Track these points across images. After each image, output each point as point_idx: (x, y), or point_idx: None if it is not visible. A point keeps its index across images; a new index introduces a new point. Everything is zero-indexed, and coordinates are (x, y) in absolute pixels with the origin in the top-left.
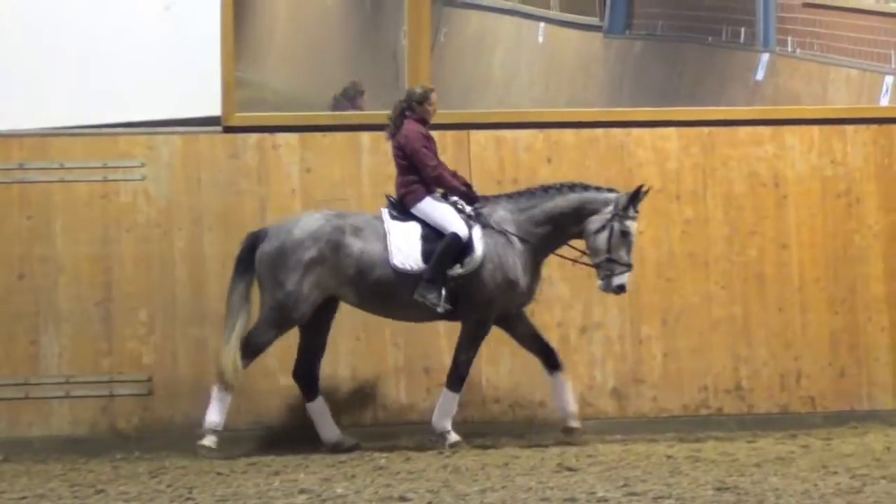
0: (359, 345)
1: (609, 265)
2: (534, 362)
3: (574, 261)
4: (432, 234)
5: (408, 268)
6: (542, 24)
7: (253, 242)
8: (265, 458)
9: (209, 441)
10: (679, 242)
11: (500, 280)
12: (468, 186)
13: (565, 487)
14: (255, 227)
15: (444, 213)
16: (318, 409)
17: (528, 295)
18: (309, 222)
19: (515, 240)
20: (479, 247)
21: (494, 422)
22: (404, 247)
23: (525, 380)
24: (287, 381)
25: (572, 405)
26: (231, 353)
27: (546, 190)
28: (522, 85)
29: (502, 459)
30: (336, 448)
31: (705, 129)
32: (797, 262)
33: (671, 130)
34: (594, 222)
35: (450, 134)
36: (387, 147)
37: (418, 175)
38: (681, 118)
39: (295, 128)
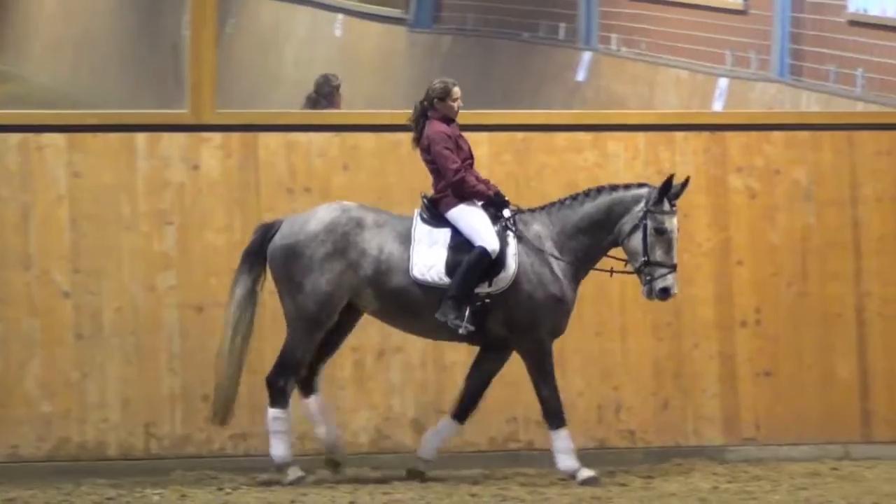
0: (130, 369)
1: (649, 269)
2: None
3: (613, 271)
4: (463, 244)
5: (429, 280)
6: (340, 16)
7: (264, 235)
8: (24, 493)
9: (292, 475)
10: None
11: (542, 298)
12: (498, 195)
13: None
14: (19, 238)
15: (475, 223)
16: (315, 407)
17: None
18: (326, 213)
19: (554, 255)
20: (511, 264)
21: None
22: (428, 256)
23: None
24: (48, 408)
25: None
26: (232, 364)
27: (575, 198)
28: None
29: (288, 497)
30: (330, 450)
31: (519, 135)
32: (617, 282)
33: (482, 136)
34: (626, 223)
35: (235, 136)
36: (165, 151)
37: None
38: (492, 122)
39: (62, 127)
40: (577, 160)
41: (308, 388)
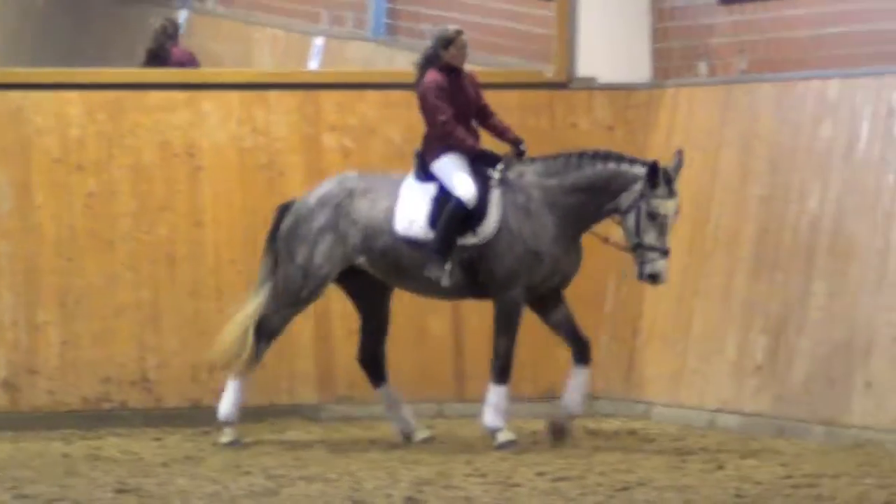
0: None
1: (640, 251)
2: None
3: (608, 241)
4: (447, 197)
5: (412, 235)
6: None
7: (281, 215)
8: None
9: (227, 436)
10: (81, 218)
11: (520, 252)
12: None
13: None
14: None
15: (455, 175)
16: (387, 395)
17: (560, 272)
18: (323, 186)
19: (542, 208)
20: (493, 213)
21: None
22: (412, 211)
23: None
24: None
25: (579, 405)
26: (234, 332)
27: (581, 156)
28: None
29: None
30: (407, 437)
31: (112, 93)
32: (212, 241)
33: (74, 94)
34: (623, 201)
35: None
36: None
37: None
38: (85, 80)
39: None
40: (171, 119)
41: (377, 378)
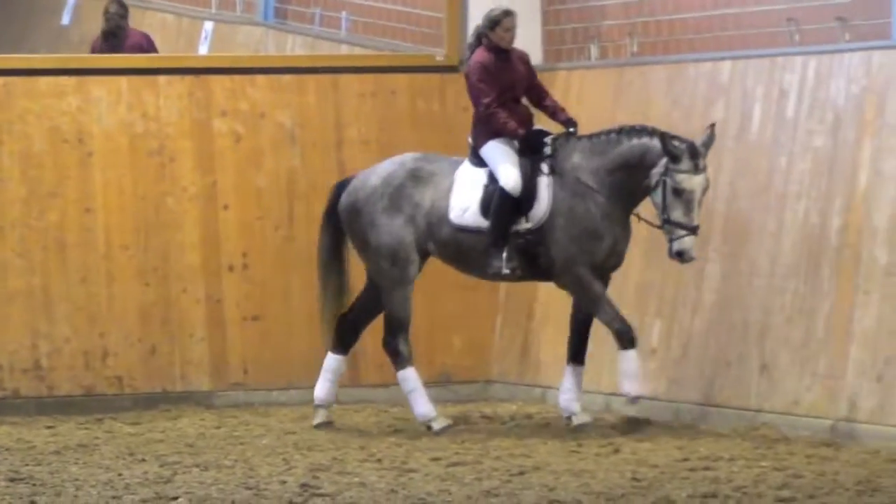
0: None
1: (668, 227)
2: None
3: (640, 218)
4: (496, 185)
5: (466, 223)
6: None
7: (337, 194)
8: None
9: (320, 418)
10: None
11: (576, 233)
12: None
13: None
14: None
15: (498, 160)
16: (333, 366)
17: (618, 252)
18: (384, 167)
19: (590, 188)
20: (544, 197)
21: None
22: (465, 199)
23: None
24: None
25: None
26: (326, 319)
27: (619, 132)
28: None
29: None
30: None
31: (1, 80)
32: (103, 227)
33: None
34: (653, 177)
35: None
36: None
37: None
38: None
39: None
40: (60, 105)
41: (343, 347)
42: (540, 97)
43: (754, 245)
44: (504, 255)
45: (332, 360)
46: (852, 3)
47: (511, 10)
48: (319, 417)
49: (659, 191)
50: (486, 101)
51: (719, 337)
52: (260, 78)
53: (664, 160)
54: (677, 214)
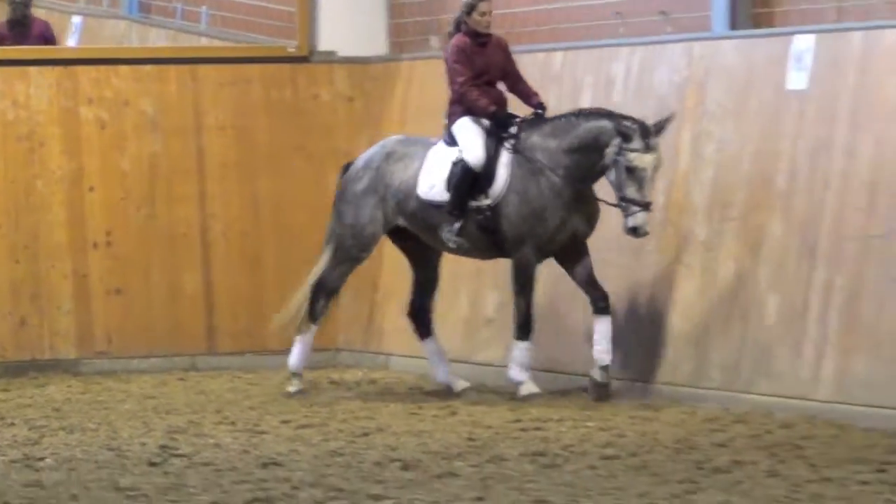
0: None
1: (624, 204)
2: None
3: (599, 200)
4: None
5: (432, 198)
6: None
7: (342, 174)
8: None
9: (295, 386)
10: None
11: (526, 212)
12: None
13: None
14: None
15: (467, 138)
16: (432, 349)
17: (567, 230)
18: (370, 150)
19: (546, 169)
20: (502, 175)
21: None
22: (433, 175)
23: None
24: None
25: (606, 353)
26: (303, 292)
27: (577, 115)
28: None
29: None
30: (448, 389)
31: None
32: None
33: None
34: (607, 156)
35: None
36: None
37: None
38: None
39: None
40: None
41: (424, 331)
42: (515, 82)
43: None
44: (456, 227)
45: (427, 347)
46: None
47: None
48: (461, 385)
49: (613, 170)
50: (460, 80)
51: (549, 307)
52: (123, 68)
53: (617, 140)
54: (631, 191)
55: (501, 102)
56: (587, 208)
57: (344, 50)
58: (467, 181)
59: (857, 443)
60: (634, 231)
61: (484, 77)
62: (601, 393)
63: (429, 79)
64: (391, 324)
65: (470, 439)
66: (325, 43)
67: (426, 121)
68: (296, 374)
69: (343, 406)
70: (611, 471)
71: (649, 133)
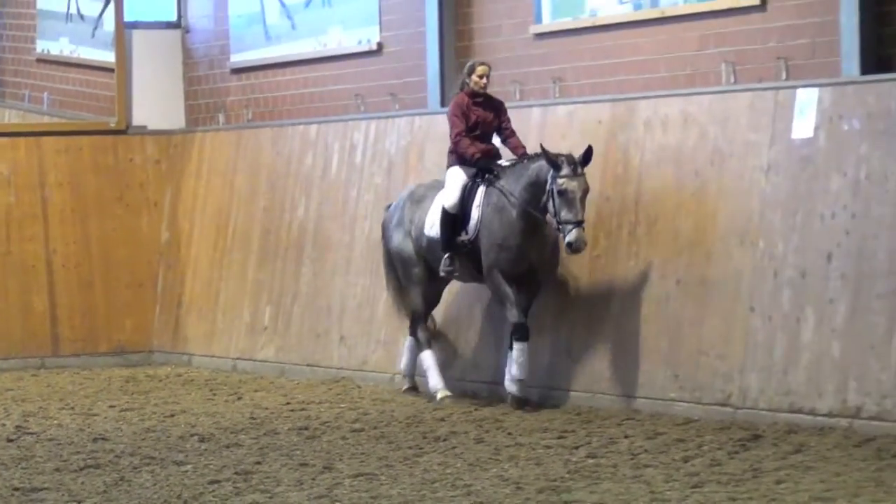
0: None
1: (561, 227)
2: None
3: (547, 224)
4: None
5: (433, 235)
6: None
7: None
8: None
9: (442, 393)
10: None
11: (489, 244)
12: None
13: None
14: None
15: (449, 184)
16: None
17: (525, 260)
18: (401, 194)
19: (507, 207)
20: (475, 215)
21: None
22: (433, 215)
23: None
24: None
25: (516, 376)
26: (396, 307)
27: (528, 158)
28: None
29: None
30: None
31: None
32: None
33: None
34: (544, 190)
35: None
36: None
37: None
38: None
39: None
40: None
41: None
42: (507, 137)
43: (334, 252)
44: (445, 259)
45: (420, 357)
46: (401, 84)
47: (485, 60)
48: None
49: (550, 199)
50: (455, 131)
51: (311, 317)
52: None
53: (552, 172)
54: (564, 213)
55: (488, 153)
56: (541, 242)
57: (152, 124)
58: (448, 221)
59: (543, 417)
60: (570, 246)
61: (478, 130)
62: (525, 404)
63: (217, 146)
64: (193, 331)
65: (252, 418)
66: (137, 119)
67: (216, 177)
68: (441, 389)
69: (156, 394)
70: (358, 440)
71: (575, 161)
